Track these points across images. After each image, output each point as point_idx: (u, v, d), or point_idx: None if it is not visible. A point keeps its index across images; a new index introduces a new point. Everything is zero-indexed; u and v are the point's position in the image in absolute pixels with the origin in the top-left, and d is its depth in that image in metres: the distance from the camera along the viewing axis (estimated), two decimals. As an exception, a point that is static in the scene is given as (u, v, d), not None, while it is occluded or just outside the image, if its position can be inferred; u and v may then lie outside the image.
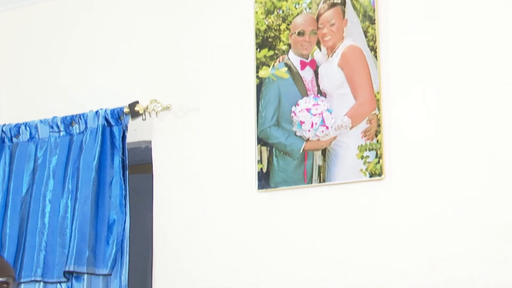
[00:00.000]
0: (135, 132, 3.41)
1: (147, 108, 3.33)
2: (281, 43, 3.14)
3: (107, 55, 3.57)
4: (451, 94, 2.86)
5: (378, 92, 2.93)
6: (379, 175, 2.88)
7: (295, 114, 3.06)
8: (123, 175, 3.29)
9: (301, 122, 3.03)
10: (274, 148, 3.07)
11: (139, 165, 3.51)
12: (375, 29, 2.97)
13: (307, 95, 3.05)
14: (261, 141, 3.10)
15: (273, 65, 3.13)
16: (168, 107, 3.32)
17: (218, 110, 3.26)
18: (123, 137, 3.33)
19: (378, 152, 2.89)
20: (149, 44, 3.47)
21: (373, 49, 2.97)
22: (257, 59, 3.16)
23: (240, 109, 3.20)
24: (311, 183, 2.98)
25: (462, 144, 2.81)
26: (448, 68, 2.88)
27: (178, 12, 3.43)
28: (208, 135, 3.27)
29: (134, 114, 3.33)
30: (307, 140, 3.02)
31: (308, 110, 3.03)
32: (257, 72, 3.15)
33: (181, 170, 3.30)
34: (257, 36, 3.18)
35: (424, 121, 2.88)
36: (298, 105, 3.06)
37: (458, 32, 2.89)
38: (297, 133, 3.04)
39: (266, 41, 3.17)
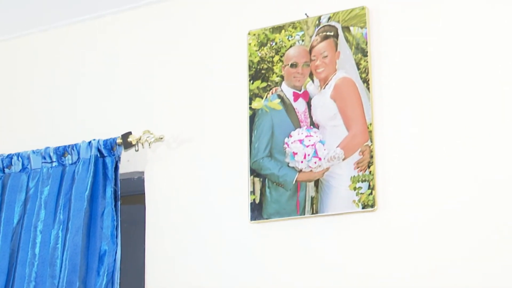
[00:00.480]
0: (128, 163, 3.42)
1: (140, 139, 3.34)
2: (274, 75, 3.17)
3: (100, 86, 3.58)
4: (445, 125, 2.87)
5: (370, 124, 2.95)
6: (372, 206, 2.89)
7: (288, 145, 3.07)
8: (115, 205, 3.29)
9: (294, 153, 3.05)
10: (267, 179, 3.08)
11: (131, 196, 3.51)
12: (367, 61, 3.00)
13: (300, 127, 3.07)
14: (254, 172, 3.11)
15: (266, 97, 3.16)
16: (161, 138, 3.33)
17: (211, 142, 3.27)
18: (116, 168, 3.33)
19: (371, 184, 2.90)
20: (142, 75, 3.49)
21: (366, 81, 2.99)
22: (250, 90, 3.19)
23: (233, 140, 3.21)
24: (304, 214, 2.99)
25: (457, 176, 2.82)
26: (441, 99, 2.90)
27: (171, 43, 3.45)
28: (201, 166, 3.27)
29: (127, 145, 3.34)
30: (300, 171, 3.03)
31: (301, 141, 3.05)
32: (250, 103, 3.18)
33: (173, 201, 3.30)
34: (250, 68, 3.21)
35: (417, 152, 2.89)
36: (291, 136, 3.07)
37: (451, 65, 2.92)
38: (290, 164, 3.06)
39: (259, 73, 3.19)
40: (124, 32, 3.59)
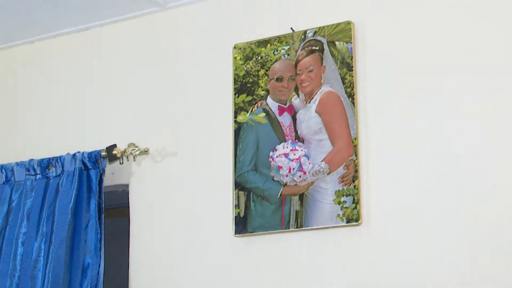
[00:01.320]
0: (112, 175, 3.43)
1: (124, 151, 3.36)
2: (260, 88, 3.20)
3: (85, 98, 3.60)
4: (430, 141, 2.90)
5: (355, 138, 2.99)
6: (356, 220, 2.92)
7: (273, 159, 3.10)
8: (99, 218, 3.30)
9: (279, 167, 3.08)
10: (251, 193, 3.11)
11: (116, 208, 3.53)
12: (352, 76, 3.04)
13: (285, 141, 3.10)
14: (238, 186, 3.14)
15: (251, 110, 3.19)
16: (146, 151, 3.35)
17: (196, 155, 3.29)
18: (100, 181, 3.35)
19: (355, 198, 2.93)
20: (128, 88, 3.51)
21: (351, 96, 3.03)
22: (235, 104, 3.22)
23: (218, 154, 3.23)
24: (289, 228, 3.01)
25: (443, 190, 2.84)
26: (426, 113, 2.93)
27: (157, 56, 3.48)
28: (186, 180, 3.29)
29: (112, 157, 3.35)
30: (285, 185, 3.06)
31: (286, 155, 3.08)
32: (235, 117, 3.20)
33: (158, 214, 3.31)
34: (235, 81, 3.24)
35: (401, 167, 2.92)
36: (276, 150, 3.10)
37: (437, 79, 2.95)
38: (275, 178, 3.09)
39: (244, 87, 3.23)
40: (109, 45, 3.61)
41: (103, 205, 3.33)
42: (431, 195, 2.87)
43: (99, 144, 3.41)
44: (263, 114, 3.17)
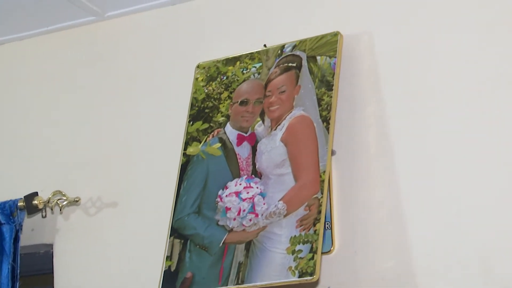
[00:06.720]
0: (32, 232, 3.47)
1: (48, 201, 3.40)
2: (219, 114, 3.26)
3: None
4: (420, 178, 2.94)
5: (324, 172, 2.99)
6: (311, 274, 2.87)
7: (221, 199, 3.12)
8: (13, 288, 3.31)
9: (227, 209, 3.09)
10: (189, 241, 3.12)
11: (36, 275, 3.55)
12: (331, 97, 3.07)
13: (239, 176, 3.14)
14: (175, 233, 3.15)
15: (205, 140, 3.24)
16: (76, 201, 3.41)
17: (141, 205, 3.34)
18: (16, 239, 3.38)
19: (314, 246, 2.90)
20: (53, 118, 3.59)
21: (326, 120, 3.05)
22: (187, 133, 3.28)
23: (161, 197, 3.28)
24: (227, 284, 2.99)
25: (423, 237, 2.85)
26: (417, 144, 2.98)
27: (93, 78, 3.57)
28: (127, 237, 3.33)
29: (32, 209, 3.40)
30: (231, 230, 3.07)
31: (238, 194, 3.10)
32: (185, 149, 3.26)
33: (89, 282, 3.34)
34: (192, 106, 3.32)
35: (378, 209, 2.96)
36: (226, 188, 3.13)
37: (435, 111, 3.00)
38: (220, 222, 3.09)
39: (201, 113, 3.29)
40: (29, 62, 3.71)
41: (18, 271, 3.36)
42: (415, 243, 2.87)
43: (14, 193, 3.46)
44: (218, 145, 3.22)
